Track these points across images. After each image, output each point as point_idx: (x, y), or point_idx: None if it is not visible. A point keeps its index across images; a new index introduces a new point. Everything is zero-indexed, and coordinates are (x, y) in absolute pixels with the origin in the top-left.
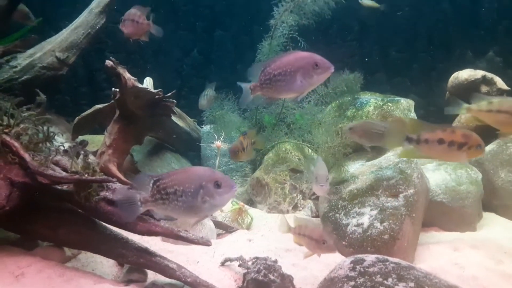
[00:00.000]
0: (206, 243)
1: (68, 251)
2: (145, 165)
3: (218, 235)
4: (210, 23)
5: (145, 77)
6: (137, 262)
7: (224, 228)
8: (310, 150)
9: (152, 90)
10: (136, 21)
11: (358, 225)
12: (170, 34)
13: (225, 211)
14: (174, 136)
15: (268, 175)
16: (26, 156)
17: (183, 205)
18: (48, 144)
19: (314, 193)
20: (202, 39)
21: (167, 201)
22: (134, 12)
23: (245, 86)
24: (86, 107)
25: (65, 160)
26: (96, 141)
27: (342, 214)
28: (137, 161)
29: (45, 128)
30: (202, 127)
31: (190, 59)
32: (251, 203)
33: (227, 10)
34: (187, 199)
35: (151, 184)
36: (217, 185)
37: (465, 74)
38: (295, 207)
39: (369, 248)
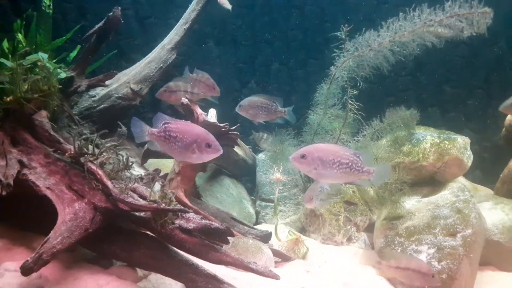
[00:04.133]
0: (275, 276)
1: (139, 272)
2: (206, 190)
3: (276, 263)
4: (268, 57)
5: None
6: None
7: (281, 257)
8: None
9: (218, 123)
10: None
11: None
12: (230, 67)
13: (282, 241)
14: (233, 163)
15: None
16: (109, 184)
17: (178, 149)
18: (127, 173)
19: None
20: (260, 71)
21: (168, 141)
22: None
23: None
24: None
25: (141, 188)
26: (161, 165)
27: (399, 251)
28: (199, 185)
29: (124, 157)
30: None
31: (248, 89)
32: (303, 231)
33: (285, 45)
34: (182, 146)
35: (161, 124)
36: (208, 145)
37: None
38: (349, 239)
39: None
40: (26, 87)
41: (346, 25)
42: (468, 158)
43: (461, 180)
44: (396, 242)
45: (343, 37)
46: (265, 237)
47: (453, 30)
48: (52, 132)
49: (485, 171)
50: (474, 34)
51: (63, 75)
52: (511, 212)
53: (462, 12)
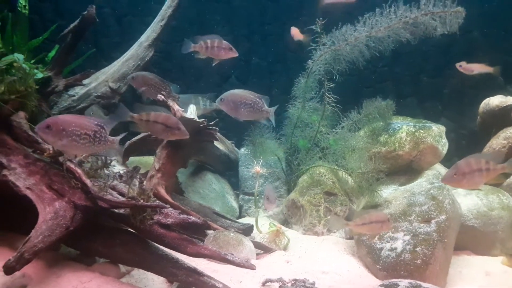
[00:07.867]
0: (251, 266)
1: (122, 268)
2: (188, 186)
3: (257, 255)
4: (247, 51)
5: None
6: (187, 281)
7: (262, 249)
8: (344, 174)
9: (197, 119)
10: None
11: (391, 249)
12: (210, 61)
13: (263, 233)
14: (214, 158)
15: (303, 197)
16: (88, 182)
17: None
18: (106, 171)
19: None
20: (239, 66)
21: None
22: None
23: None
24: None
25: (120, 185)
26: (143, 163)
27: (376, 238)
28: (181, 182)
29: (103, 156)
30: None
31: (228, 84)
32: (286, 223)
33: (264, 40)
34: None
35: None
36: None
37: (496, 101)
38: (330, 229)
39: (402, 272)
40: (2, 88)
41: (321, 18)
42: (443, 146)
43: (438, 167)
44: None
45: (318, 30)
46: (247, 230)
47: (427, 28)
48: (30, 133)
49: (462, 158)
50: (446, 33)
51: (40, 75)
52: (485, 197)
53: (436, 10)
